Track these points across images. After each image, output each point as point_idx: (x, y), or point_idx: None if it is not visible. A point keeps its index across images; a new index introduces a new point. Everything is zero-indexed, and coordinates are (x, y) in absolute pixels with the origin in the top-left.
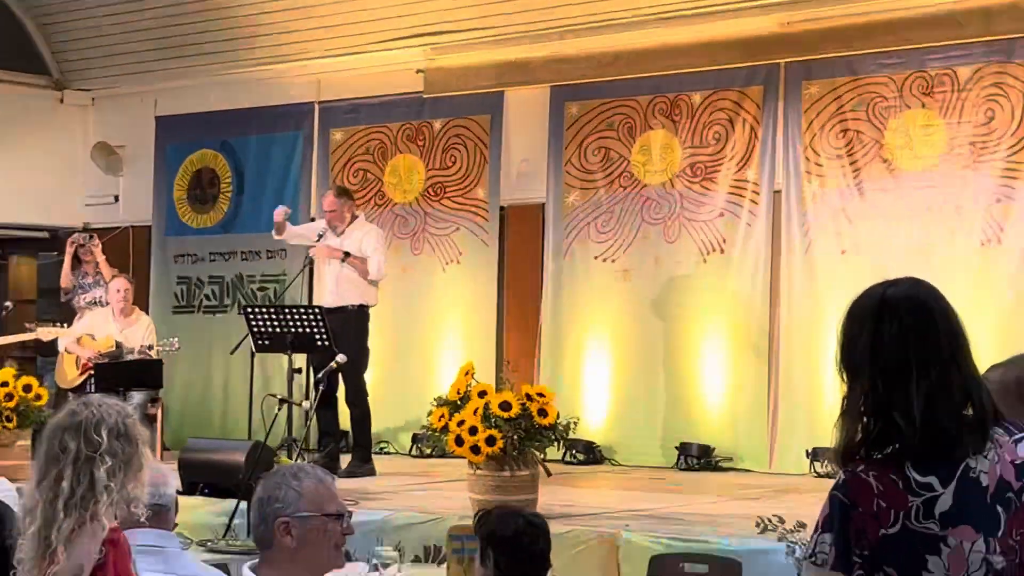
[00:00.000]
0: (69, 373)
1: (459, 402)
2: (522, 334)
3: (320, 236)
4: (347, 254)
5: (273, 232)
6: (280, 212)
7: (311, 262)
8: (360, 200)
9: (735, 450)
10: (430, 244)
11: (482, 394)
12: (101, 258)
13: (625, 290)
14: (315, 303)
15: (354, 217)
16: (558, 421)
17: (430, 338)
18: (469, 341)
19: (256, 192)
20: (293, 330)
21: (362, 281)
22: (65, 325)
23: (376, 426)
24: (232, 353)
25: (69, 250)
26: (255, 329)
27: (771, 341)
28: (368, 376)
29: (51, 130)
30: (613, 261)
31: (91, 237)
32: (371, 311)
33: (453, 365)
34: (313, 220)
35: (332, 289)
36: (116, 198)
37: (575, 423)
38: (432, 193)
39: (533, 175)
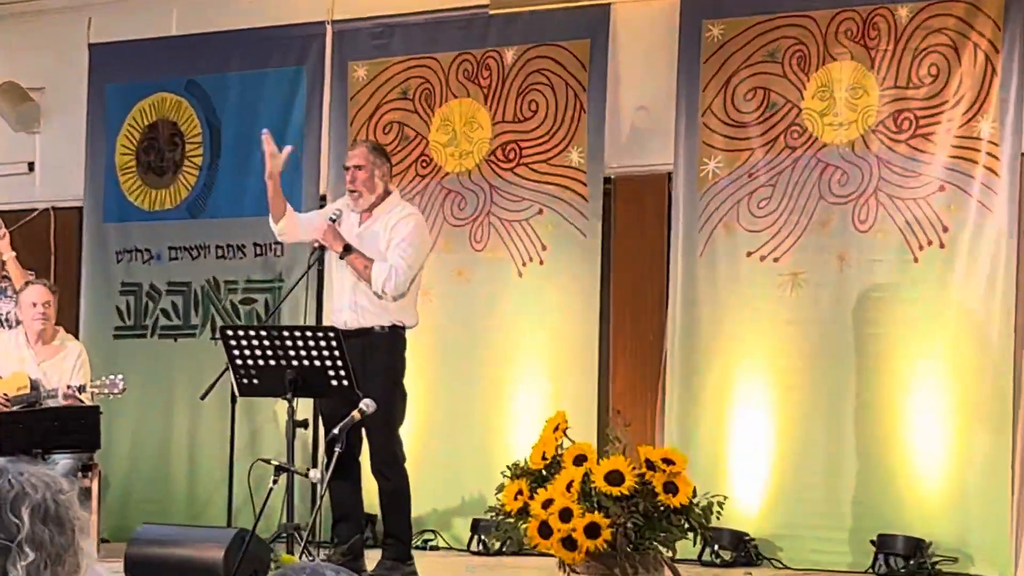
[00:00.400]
0: None
1: (545, 472)
2: (637, 369)
3: (334, 218)
4: (347, 248)
5: (268, 187)
6: (268, 138)
7: (320, 256)
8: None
9: (962, 547)
10: (499, 234)
11: (580, 460)
12: (8, 255)
13: (793, 303)
14: (326, 322)
15: (386, 193)
16: (694, 501)
17: (498, 375)
18: (558, 380)
19: (238, 156)
20: (295, 364)
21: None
22: None
23: (418, 507)
24: (203, 398)
25: None
26: (238, 362)
27: (1017, 385)
28: (405, 432)
29: None
30: (775, 260)
31: None
32: (409, 335)
33: (535, 416)
34: (324, 204)
35: (351, 302)
36: (30, 166)
37: (720, 504)
38: (502, 157)
39: (654, 130)
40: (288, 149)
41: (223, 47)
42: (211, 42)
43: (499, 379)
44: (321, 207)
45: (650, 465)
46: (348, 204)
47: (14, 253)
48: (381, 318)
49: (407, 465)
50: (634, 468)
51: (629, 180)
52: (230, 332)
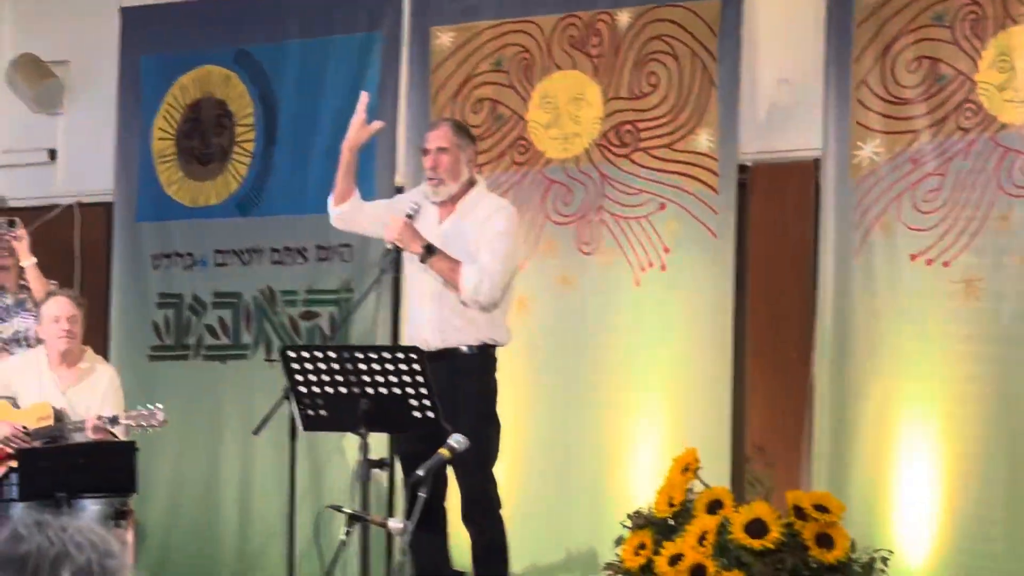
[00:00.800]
0: None
1: (673, 521)
2: (779, 396)
3: (411, 214)
4: (429, 249)
5: (342, 159)
6: (362, 104)
7: (396, 260)
8: (482, 154)
9: None
10: (612, 233)
11: (714, 507)
12: (28, 262)
13: (967, 316)
14: (403, 340)
15: (471, 182)
16: (852, 557)
17: (612, 403)
18: (685, 409)
19: (298, 141)
20: (370, 391)
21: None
22: None
23: (516, 563)
24: (257, 432)
25: None
26: (301, 389)
27: None
28: (500, 472)
29: None
30: (945, 264)
31: (11, 224)
32: (501, 354)
33: (658, 453)
34: (400, 192)
35: (433, 316)
36: (51, 154)
37: (883, 560)
38: (615, 141)
39: (798, 108)
40: (377, 124)
41: (280, 10)
42: (266, 4)
43: (613, 408)
44: (399, 192)
45: (799, 513)
46: (426, 195)
47: (34, 259)
48: (469, 335)
49: (503, 512)
50: (780, 517)
51: (768, 168)
52: (291, 353)
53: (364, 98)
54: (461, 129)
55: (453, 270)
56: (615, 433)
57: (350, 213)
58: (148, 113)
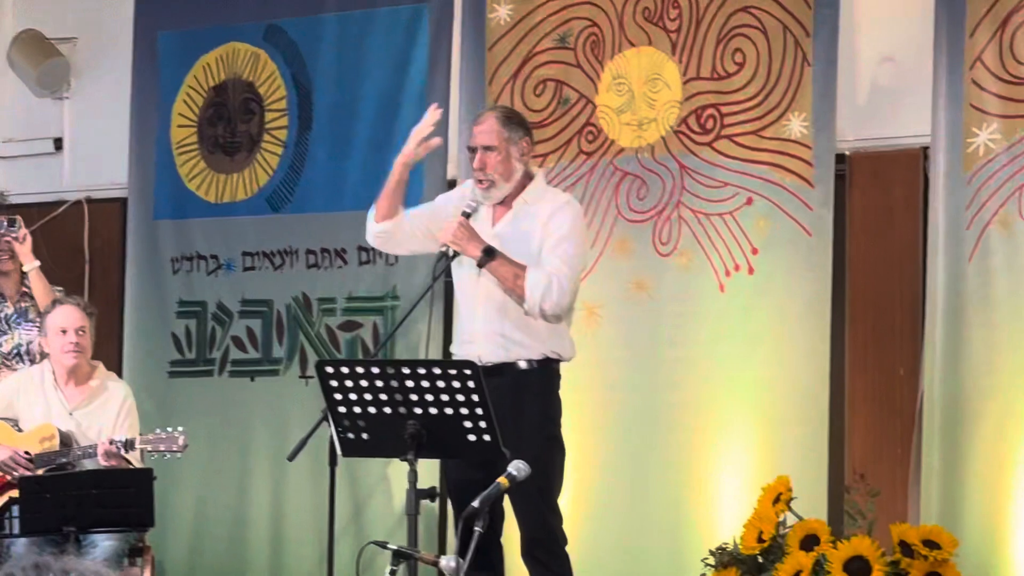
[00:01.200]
0: None
1: (762, 558)
2: (883, 417)
3: (469, 212)
4: (488, 253)
5: (393, 173)
6: (432, 118)
7: (448, 263)
8: (546, 142)
9: None
10: (693, 232)
11: (810, 542)
12: (30, 266)
13: None
14: (458, 353)
15: (528, 178)
16: None
17: (692, 424)
18: (776, 432)
19: (336, 128)
20: (418, 412)
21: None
22: None
23: None
24: (292, 458)
25: None
26: (340, 410)
27: None
28: (564, 503)
29: None
30: None
31: (11, 223)
32: (565, 370)
33: (745, 481)
34: (453, 186)
35: (488, 327)
36: (56, 143)
37: None
38: (697, 128)
39: (904, 90)
40: (436, 141)
41: None
42: None
43: (694, 431)
44: (453, 186)
45: (906, 549)
46: (477, 194)
47: (37, 263)
48: (530, 349)
49: (569, 549)
50: (883, 554)
51: (870, 158)
52: (328, 368)
53: (435, 111)
54: (510, 119)
55: (517, 276)
56: (696, 459)
57: (393, 232)
58: (166, 97)
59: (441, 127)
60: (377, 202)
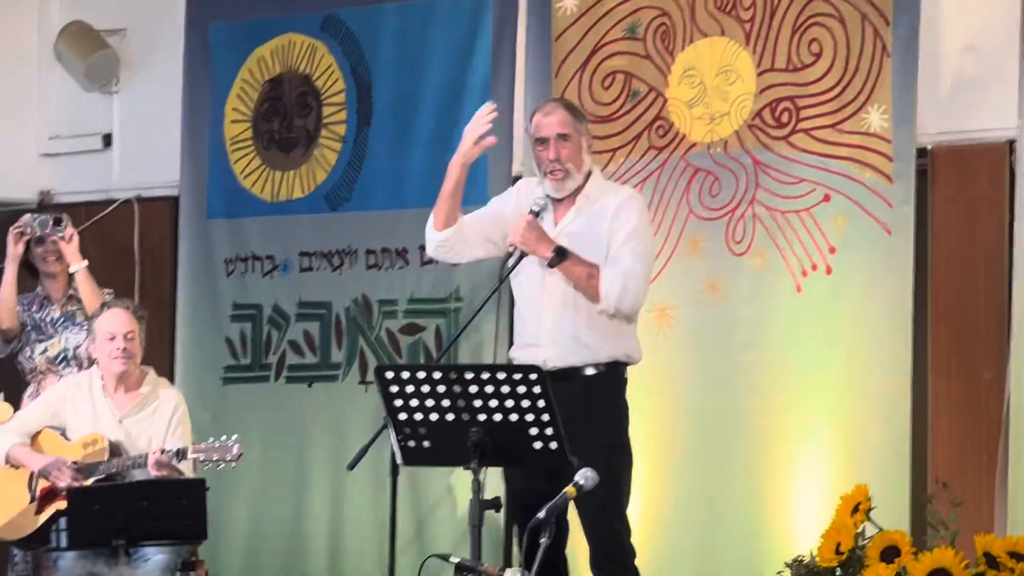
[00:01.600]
0: (12, 506)
1: (841, 571)
2: (968, 423)
3: (537, 211)
4: (560, 253)
5: (451, 175)
6: (485, 115)
7: (517, 263)
8: (614, 136)
9: None
10: (767, 231)
11: (890, 554)
12: (77, 266)
13: None
14: (520, 358)
15: (588, 173)
16: None
17: (768, 430)
18: (854, 438)
19: (397, 123)
20: (482, 419)
21: (605, 314)
22: (6, 411)
23: None
24: (351, 467)
25: (12, 251)
26: (401, 417)
27: None
28: (634, 513)
29: None
30: None
31: (57, 222)
32: (633, 374)
33: (822, 490)
34: (517, 182)
35: (557, 329)
36: (106, 140)
37: None
38: (772, 121)
39: (989, 81)
40: (491, 140)
41: None
42: None
43: (770, 437)
44: (515, 181)
45: (991, 561)
46: (546, 189)
47: (85, 263)
48: (599, 352)
49: (639, 561)
50: (967, 566)
51: (954, 152)
52: (388, 373)
53: (491, 109)
54: (577, 111)
55: (591, 276)
56: (772, 467)
57: (454, 240)
58: (219, 91)
59: (505, 121)
60: (435, 210)
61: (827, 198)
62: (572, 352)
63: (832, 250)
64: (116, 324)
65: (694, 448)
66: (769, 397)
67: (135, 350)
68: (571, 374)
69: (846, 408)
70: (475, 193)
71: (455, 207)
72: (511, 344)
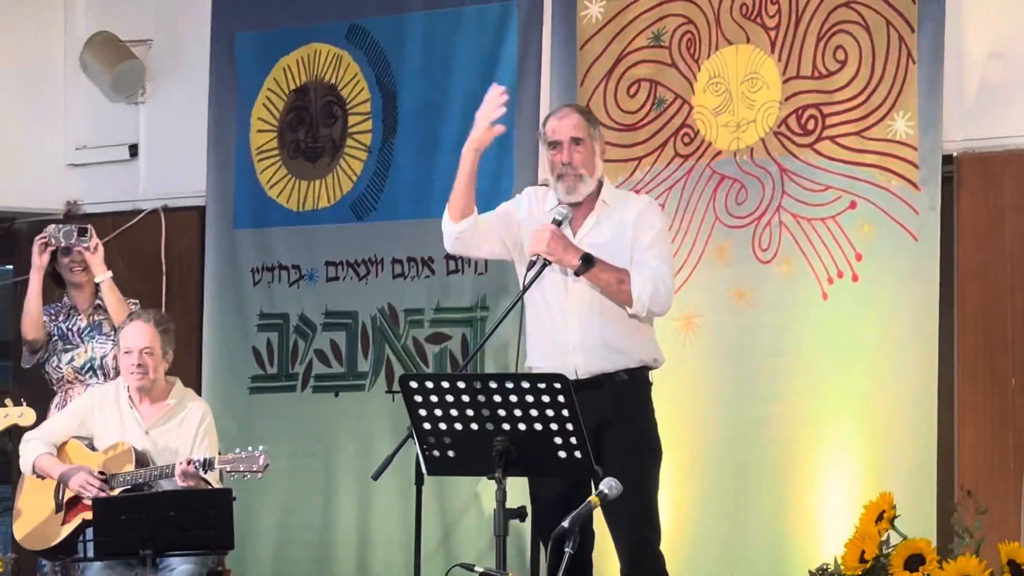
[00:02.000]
0: (38, 516)
1: None
2: (994, 430)
3: (560, 220)
4: (587, 260)
5: (465, 161)
6: (496, 99)
7: (540, 272)
8: (640, 144)
9: None
10: (794, 238)
11: (914, 562)
12: (103, 277)
13: None
14: (543, 367)
15: (600, 184)
16: None
17: (793, 438)
18: (880, 445)
19: (423, 132)
20: (507, 428)
21: (636, 318)
22: (30, 415)
23: None
24: (376, 477)
25: (38, 260)
26: (426, 426)
27: None
28: (661, 522)
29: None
30: None
31: (82, 232)
32: (663, 381)
33: (846, 497)
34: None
35: (587, 336)
36: (132, 150)
37: None
38: (797, 129)
39: (1015, 87)
40: (499, 129)
41: None
42: None
43: (794, 445)
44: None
45: (1015, 569)
46: (557, 194)
47: (110, 274)
48: (629, 357)
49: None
50: (992, 574)
51: (979, 159)
52: (413, 383)
53: (501, 91)
54: (592, 116)
55: (621, 281)
56: (797, 474)
57: (471, 232)
58: (245, 101)
59: (531, 129)
60: (450, 201)
61: (853, 205)
62: (603, 358)
63: (858, 257)
64: (134, 339)
65: (719, 456)
66: (794, 404)
67: (153, 364)
68: (603, 381)
69: (872, 416)
70: (501, 201)
71: (471, 196)
72: None
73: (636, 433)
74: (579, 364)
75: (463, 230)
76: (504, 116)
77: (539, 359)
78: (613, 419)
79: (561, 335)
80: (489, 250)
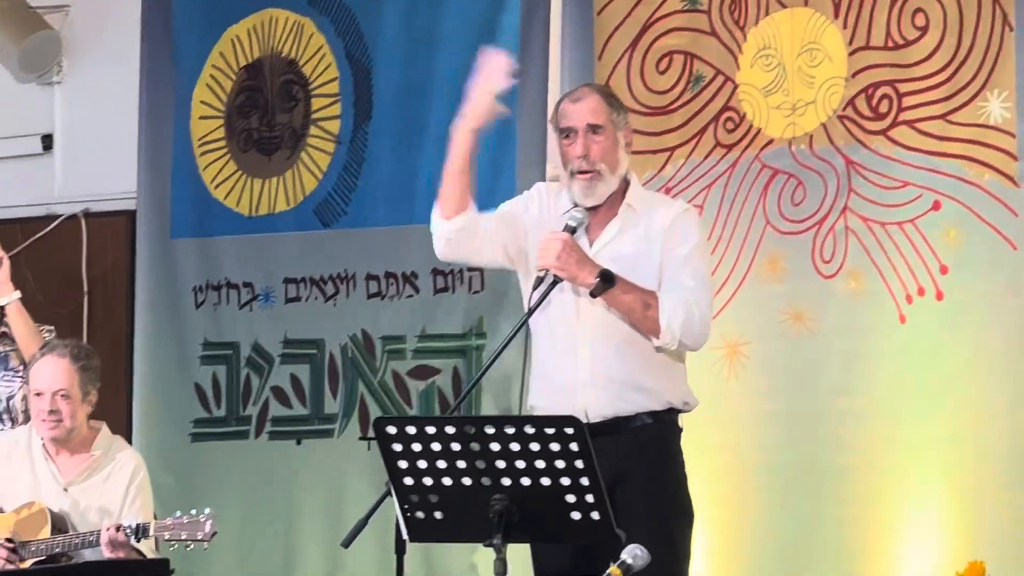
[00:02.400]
0: None
1: None
2: None
3: (574, 226)
4: (605, 278)
5: (457, 143)
6: (501, 63)
7: (548, 292)
8: (672, 132)
9: None
10: (863, 247)
11: None
12: (7, 297)
13: None
14: (545, 408)
15: (625, 183)
16: None
17: (864, 488)
18: (971, 501)
19: (404, 119)
20: (507, 483)
21: (663, 351)
22: None
23: None
24: (347, 544)
25: None
26: (407, 482)
27: None
28: None
29: None
30: None
31: None
32: (698, 423)
33: (932, 564)
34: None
35: (600, 371)
36: (46, 142)
37: None
38: (868, 112)
39: None
40: (502, 108)
41: None
42: None
43: (866, 501)
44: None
45: None
46: (572, 195)
47: (18, 294)
48: (653, 398)
49: None
50: None
51: None
52: (391, 428)
53: (502, 55)
54: (615, 99)
55: (647, 305)
56: (871, 538)
57: (468, 233)
58: (185, 80)
59: (537, 114)
60: (440, 194)
61: (937, 206)
62: (620, 398)
63: (943, 270)
64: (45, 378)
65: (775, 515)
66: (866, 454)
67: (70, 410)
68: (619, 425)
69: (962, 465)
70: (504, 200)
71: (466, 187)
72: None
73: (660, 489)
74: (590, 405)
75: (459, 228)
76: (505, 96)
77: (540, 399)
78: (631, 472)
79: (569, 370)
80: (489, 257)
